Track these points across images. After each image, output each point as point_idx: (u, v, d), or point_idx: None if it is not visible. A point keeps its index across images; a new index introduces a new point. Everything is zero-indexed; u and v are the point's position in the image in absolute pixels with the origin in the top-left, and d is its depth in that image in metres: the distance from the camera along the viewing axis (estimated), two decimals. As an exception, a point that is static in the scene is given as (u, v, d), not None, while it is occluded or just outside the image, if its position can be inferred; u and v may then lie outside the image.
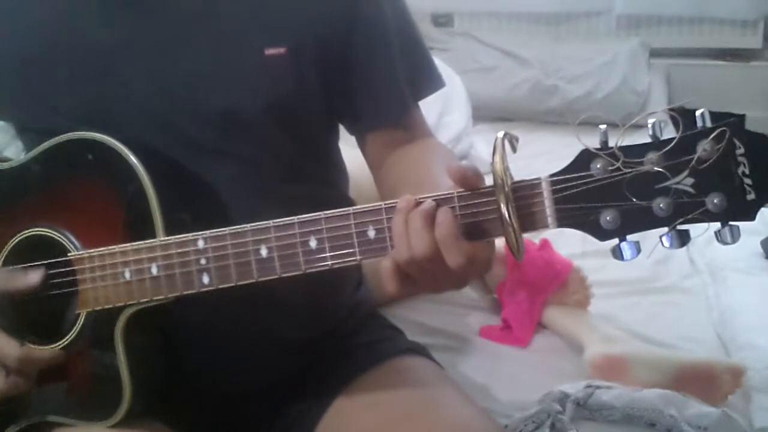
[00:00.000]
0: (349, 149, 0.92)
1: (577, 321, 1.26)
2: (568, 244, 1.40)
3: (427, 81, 0.89)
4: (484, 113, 2.34)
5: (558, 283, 1.30)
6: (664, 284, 1.44)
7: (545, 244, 1.36)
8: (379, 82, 0.84)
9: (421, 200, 0.61)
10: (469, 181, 0.60)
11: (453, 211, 0.60)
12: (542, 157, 1.91)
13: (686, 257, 1.54)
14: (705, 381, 1.08)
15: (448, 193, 0.60)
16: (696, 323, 1.31)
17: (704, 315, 1.34)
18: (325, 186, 0.88)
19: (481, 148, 2.08)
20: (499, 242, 0.61)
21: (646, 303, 1.38)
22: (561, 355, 1.23)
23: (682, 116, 0.54)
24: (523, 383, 1.13)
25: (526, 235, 0.59)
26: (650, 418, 1.02)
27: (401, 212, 0.61)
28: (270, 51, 0.77)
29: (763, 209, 0.55)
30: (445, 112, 1.99)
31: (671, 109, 0.56)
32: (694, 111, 0.55)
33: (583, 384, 1.07)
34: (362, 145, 0.89)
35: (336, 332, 0.91)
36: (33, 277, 0.74)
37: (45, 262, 0.75)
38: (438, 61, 2.04)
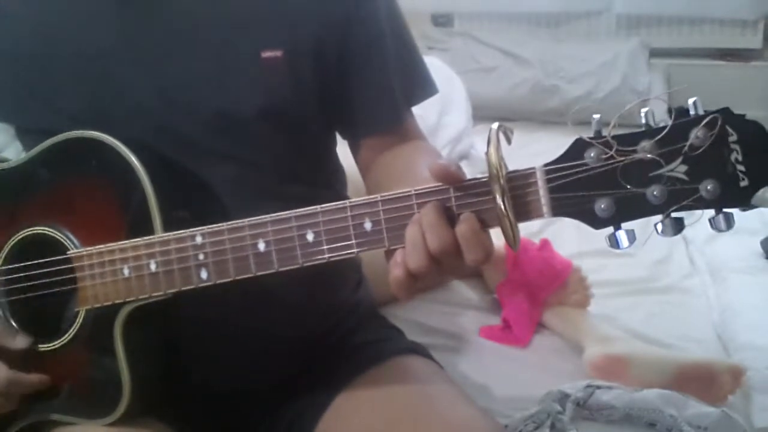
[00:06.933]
0: (347, 149, 0.93)
1: (577, 321, 1.25)
2: (568, 244, 1.40)
3: (421, 87, 0.89)
4: (484, 113, 2.34)
5: (558, 283, 1.30)
6: (664, 284, 1.44)
7: (545, 244, 1.36)
8: (374, 89, 0.84)
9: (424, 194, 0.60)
10: (452, 176, 0.60)
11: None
12: (542, 156, 1.88)
13: (686, 257, 1.53)
14: (705, 381, 1.07)
15: (444, 186, 0.60)
16: (696, 323, 1.31)
17: (704, 315, 1.34)
18: (323, 187, 0.88)
19: (481, 148, 2.07)
20: (499, 243, 0.61)
21: (646, 303, 1.37)
22: (561, 355, 1.22)
23: (676, 108, 0.54)
24: (523, 383, 1.13)
25: (524, 234, 0.59)
26: (650, 418, 1.02)
27: (416, 222, 0.60)
28: (266, 54, 0.77)
29: (763, 209, 0.55)
30: (445, 112, 1.98)
31: (670, 110, 0.56)
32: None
33: (583, 384, 1.06)
34: (354, 149, 0.89)
35: (336, 332, 0.90)
36: (21, 341, 0.76)
37: (44, 260, 0.75)
38: (438, 61, 2.02)
